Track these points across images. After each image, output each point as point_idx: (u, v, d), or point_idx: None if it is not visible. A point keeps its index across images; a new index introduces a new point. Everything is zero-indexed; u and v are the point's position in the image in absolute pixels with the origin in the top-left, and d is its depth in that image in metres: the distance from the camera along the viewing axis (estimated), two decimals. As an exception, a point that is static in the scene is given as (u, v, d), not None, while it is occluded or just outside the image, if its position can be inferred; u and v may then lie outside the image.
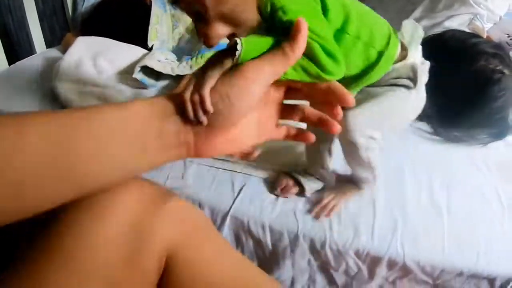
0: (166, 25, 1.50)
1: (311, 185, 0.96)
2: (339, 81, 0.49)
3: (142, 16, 1.50)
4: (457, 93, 1.19)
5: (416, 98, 0.75)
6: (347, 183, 0.95)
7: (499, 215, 0.97)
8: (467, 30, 1.38)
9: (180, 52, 1.41)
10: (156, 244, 0.50)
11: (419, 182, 1.02)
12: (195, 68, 1.20)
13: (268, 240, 0.94)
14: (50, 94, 1.29)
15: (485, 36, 1.40)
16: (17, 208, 0.38)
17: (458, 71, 1.20)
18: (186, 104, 0.44)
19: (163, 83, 1.28)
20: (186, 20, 1.53)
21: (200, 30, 0.54)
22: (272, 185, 0.97)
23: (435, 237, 0.91)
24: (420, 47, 0.73)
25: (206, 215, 0.93)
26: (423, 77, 0.73)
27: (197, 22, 0.54)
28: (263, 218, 0.93)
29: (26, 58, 1.58)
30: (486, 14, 1.41)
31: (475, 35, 1.30)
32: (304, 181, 0.95)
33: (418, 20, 1.45)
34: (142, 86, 1.26)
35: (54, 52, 1.61)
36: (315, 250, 0.92)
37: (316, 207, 0.92)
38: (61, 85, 1.26)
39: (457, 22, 1.39)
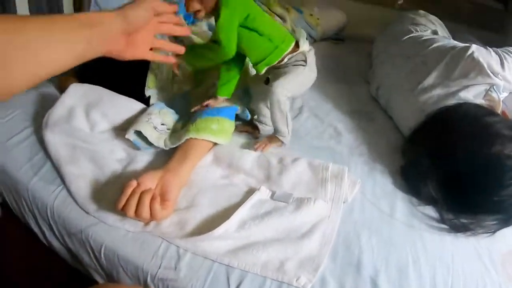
0: (166, 71, 1.43)
1: (262, 127, 1.36)
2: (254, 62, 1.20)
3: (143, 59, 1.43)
4: (467, 177, 1.14)
5: (309, 72, 1.21)
6: (272, 137, 1.26)
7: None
8: (483, 102, 1.32)
9: (178, 105, 1.35)
10: None
11: (423, 285, 0.95)
12: (187, 136, 1.14)
13: None
14: (41, 141, 1.24)
15: (500, 108, 1.34)
16: None
17: (471, 153, 1.15)
18: None
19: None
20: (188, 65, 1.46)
21: (187, 2, 1.11)
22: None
23: None
24: (307, 41, 1.20)
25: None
26: (311, 58, 1.20)
27: None
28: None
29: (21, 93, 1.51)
30: (503, 84, 1.35)
31: (491, 113, 1.25)
32: (258, 124, 1.36)
33: (432, 87, 1.39)
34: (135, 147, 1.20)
35: (48, 88, 1.54)
36: None
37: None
38: (51, 137, 1.20)
39: (473, 93, 1.33)
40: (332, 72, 1.90)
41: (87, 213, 1.04)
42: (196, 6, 1.10)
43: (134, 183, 0.97)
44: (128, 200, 0.96)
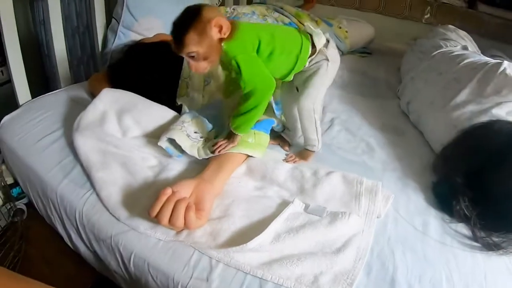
0: (197, 80, 1.42)
1: (290, 140, 1.36)
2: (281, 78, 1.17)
3: (174, 67, 1.43)
4: (499, 195, 1.11)
5: (332, 65, 1.17)
6: (303, 152, 1.27)
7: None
8: (516, 119, 1.29)
9: (209, 114, 1.34)
10: None
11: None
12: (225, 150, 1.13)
13: None
14: (71, 144, 1.23)
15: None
16: None
17: (503, 171, 1.12)
18: None
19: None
20: (219, 76, 1.46)
21: (192, 64, 1.05)
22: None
23: None
24: (321, 35, 1.15)
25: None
26: (331, 50, 1.17)
27: (191, 60, 1.04)
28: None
29: (50, 93, 1.53)
30: (535, 102, 1.32)
31: None
32: (287, 136, 1.37)
33: (465, 103, 1.37)
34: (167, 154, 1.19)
35: (79, 91, 1.55)
36: None
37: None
38: (82, 141, 1.19)
39: (505, 110, 1.30)
40: (361, 86, 1.89)
41: (118, 219, 1.03)
42: (204, 65, 1.05)
43: (169, 191, 0.96)
44: (162, 208, 0.94)
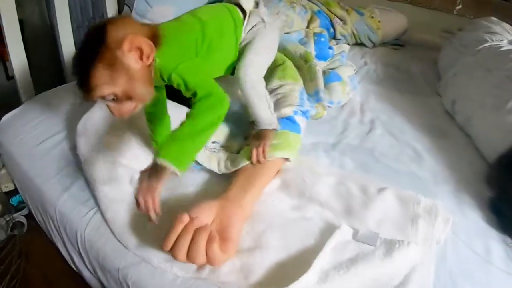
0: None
1: None
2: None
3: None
4: None
5: (270, 29, 1.04)
6: (262, 134, 1.00)
7: None
8: None
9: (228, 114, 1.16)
10: None
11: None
12: (245, 162, 0.97)
13: None
14: (74, 149, 1.09)
15: None
16: None
17: None
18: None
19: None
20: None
21: (113, 109, 0.79)
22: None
23: None
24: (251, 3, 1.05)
25: None
26: (266, 17, 1.04)
27: (110, 104, 0.78)
28: None
29: (54, 89, 1.42)
30: None
31: None
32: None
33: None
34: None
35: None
36: None
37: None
38: (86, 147, 1.04)
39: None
40: (397, 81, 1.72)
41: (126, 248, 0.86)
42: (130, 106, 0.79)
43: (185, 218, 0.77)
44: (178, 239, 0.75)
